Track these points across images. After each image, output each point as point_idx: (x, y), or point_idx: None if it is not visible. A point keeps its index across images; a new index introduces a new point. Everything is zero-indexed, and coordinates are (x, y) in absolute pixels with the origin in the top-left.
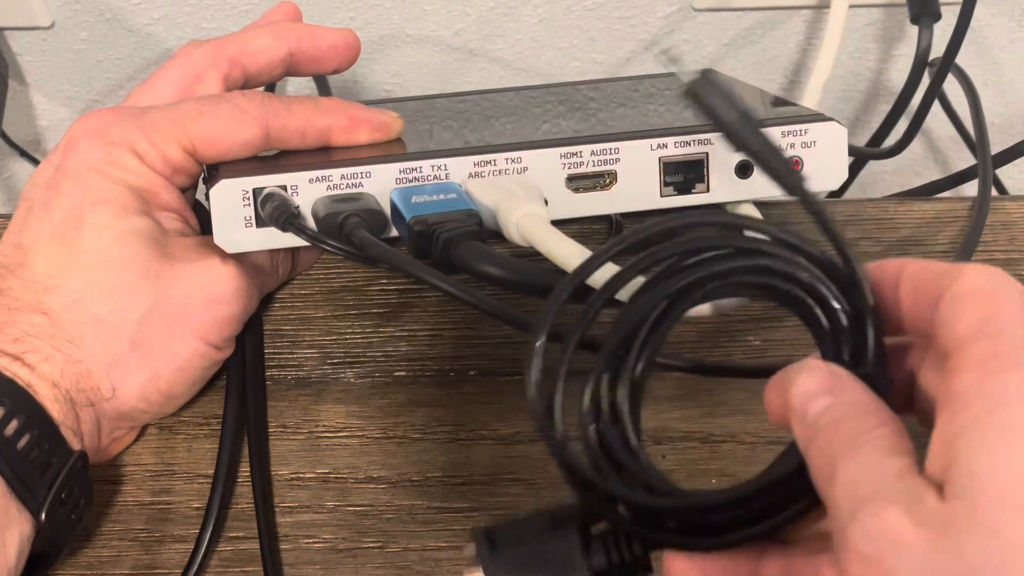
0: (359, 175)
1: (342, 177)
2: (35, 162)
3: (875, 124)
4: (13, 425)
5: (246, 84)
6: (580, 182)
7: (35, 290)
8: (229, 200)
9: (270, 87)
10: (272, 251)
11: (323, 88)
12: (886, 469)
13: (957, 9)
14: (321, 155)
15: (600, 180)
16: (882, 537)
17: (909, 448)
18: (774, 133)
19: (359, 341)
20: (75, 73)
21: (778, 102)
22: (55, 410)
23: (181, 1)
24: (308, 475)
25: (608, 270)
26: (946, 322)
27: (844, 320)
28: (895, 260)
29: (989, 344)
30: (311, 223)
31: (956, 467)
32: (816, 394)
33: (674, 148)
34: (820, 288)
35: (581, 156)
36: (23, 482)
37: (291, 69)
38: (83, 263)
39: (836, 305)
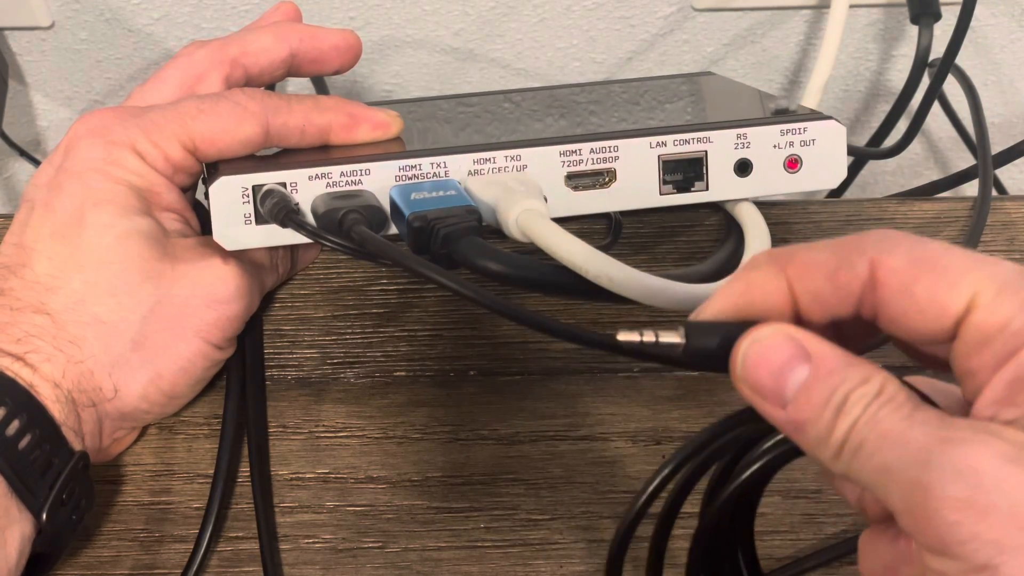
0: (358, 172)
1: (341, 174)
2: (35, 162)
3: (875, 124)
4: (15, 425)
5: (247, 85)
6: (579, 180)
7: (37, 290)
8: (229, 197)
9: (270, 87)
10: (272, 249)
11: (321, 89)
12: (924, 424)
13: (957, 9)
14: (321, 153)
15: (599, 178)
16: (973, 476)
17: (905, 389)
18: (773, 131)
19: (359, 341)
20: (75, 73)
21: (778, 110)
22: (56, 411)
23: (181, 1)
24: (308, 475)
25: None
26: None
27: None
28: (765, 275)
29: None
30: (311, 220)
31: None
32: (787, 366)
33: (673, 146)
34: None
35: (580, 154)
36: (24, 482)
37: (292, 70)
38: (85, 263)
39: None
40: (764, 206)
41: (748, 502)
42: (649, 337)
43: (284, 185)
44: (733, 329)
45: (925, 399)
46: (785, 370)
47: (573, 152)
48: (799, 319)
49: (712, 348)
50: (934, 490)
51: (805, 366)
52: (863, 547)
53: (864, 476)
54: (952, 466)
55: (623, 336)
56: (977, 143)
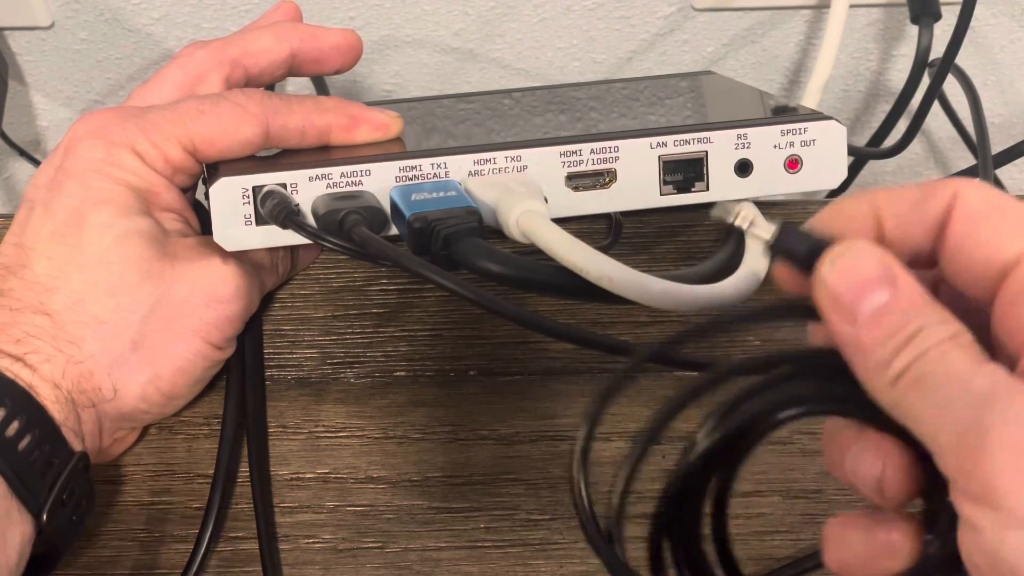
0: (359, 173)
1: (342, 175)
2: (35, 162)
3: (875, 124)
4: (14, 426)
5: (247, 85)
6: (579, 180)
7: (36, 291)
8: (229, 198)
9: (270, 87)
10: (272, 249)
11: (321, 89)
12: (992, 371)
13: (957, 9)
14: (321, 154)
15: (600, 178)
16: None
17: (978, 343)
18: (773, 132)
19: (359, 341)
20: (75, 73)
21: (778, 110)
22: (56, 411)
23: (181, 1)
24: (308, 475)
25: None
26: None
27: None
28: (855, 202)
29: None
30: (311, 221)
31: None
32: (871, 284)
33: (674, 147)
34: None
35: (580, 154)
36: (24, 483)
37: (293, 70)
38: (84, 264)
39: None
40: (764, 206)
41: (730, 463)
42: (742, 222)
43: (284, 186)
44: (824, 241)
45: None
46: (869, 287)
47: (573, 153)
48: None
49: (801, 251)
50: (994, 430)
51: (888, 290)
52: (831, 536)
53: (917, 409)
54: (1016, 412)
55: (716, 212)
56: (977, 143)
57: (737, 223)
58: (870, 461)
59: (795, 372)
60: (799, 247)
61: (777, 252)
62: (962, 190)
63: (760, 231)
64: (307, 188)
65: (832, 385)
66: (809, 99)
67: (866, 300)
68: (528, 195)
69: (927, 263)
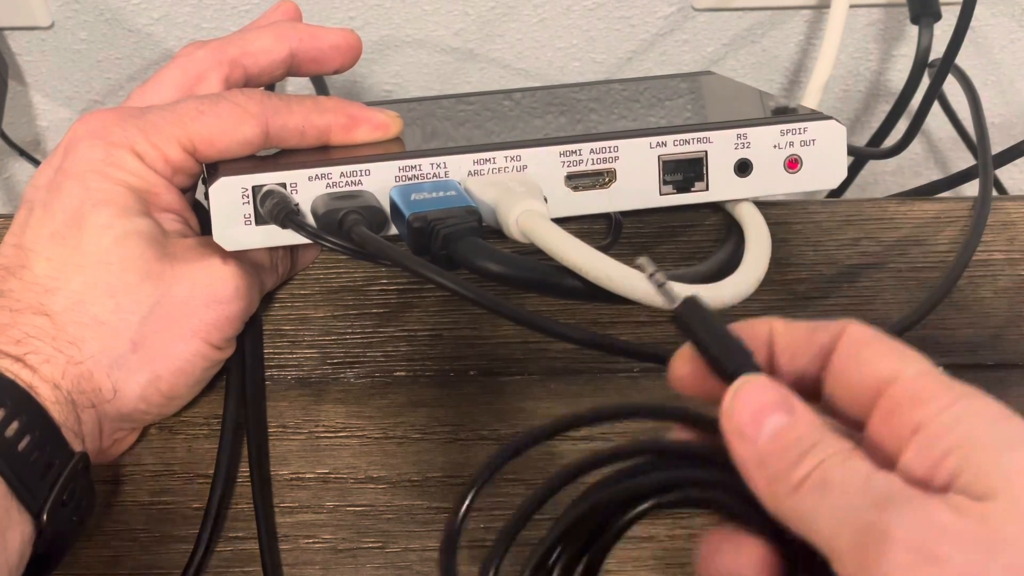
0: (358, 173)
1: (341, 175)
2: (35, 162)
3: (875, 124)
4: (14, 427)
5: (247, 85)
6: (579, 180)
7: (36, 292)
8: (228, 198)
9: (270, 87)
10: (271, 249)
11: (321, 89)
12: (887, 477)
13: (957, 9)
14: (320, 154)
15: (599, 178)
16: (930, 527)
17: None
18: (773, 131)
19: (359, 341)
20: (75, 73)
21: (778, 110)
22: (56, 412)
23: (181, 1)
24: (308, 475)
25: None
26: (866, 371)
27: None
28: (761, 321)
29: (927, 379)
30: (310, 220)
31: (973, 470)
32: (768, 411)
33: (673, 146)
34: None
35: (580, 154)
36: (24, 483)
37: (292, 70)
38: (84, 264)
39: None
40: (764, 206)
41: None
42: (659, 278)
43: (284, 186)
44: (727, 332)
45: None
46: (769, 411)
47: (573, 152)
48: (771, 370)
49: (698, 332)
50: (891, 533)
51: (786, 414)
52: (707, 551)
53: (815, 514)
54: (912, 513)
55: (641, 260)
56: (977, 143)
57: (654, 275)
58: (743, 564)
59: (665, 461)
60: (699, 326)
61: (677, 324)
62: (850, 326)
63: (669, 293)
64: (307, 188)
65: (708, 471)
66: (809, 99)
67: (767, 422)
68: (528, 195)
69: (811, 393)
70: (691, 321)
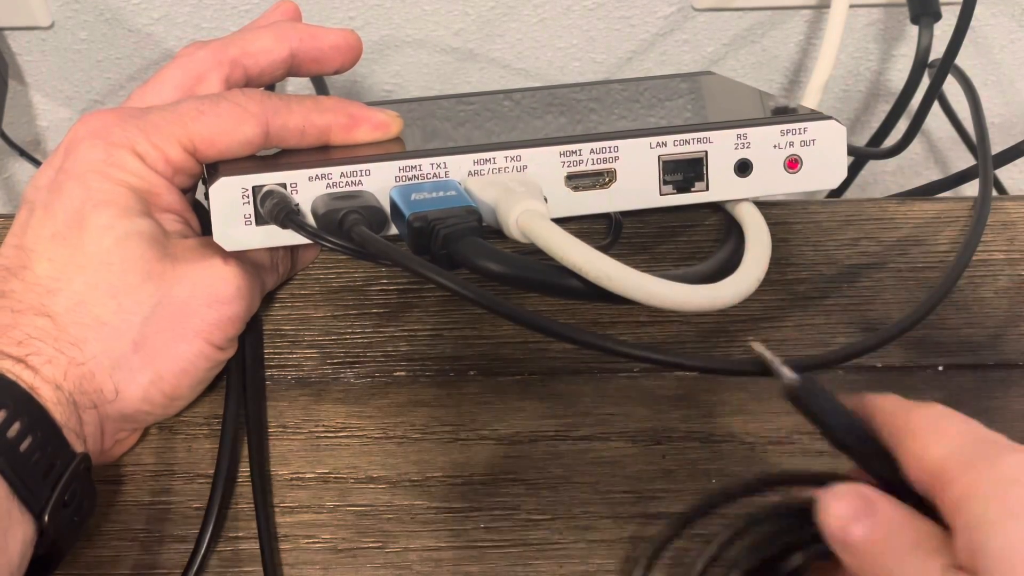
0: (358, 173)
1: (341, 175)
2: (35, 162)
3: (875, 124)
4: (16, 427)
5: (247, 85)
6: (579, 180)
7: (38, 292)
8: (229, 198)
9: (270, 87)
10: (272, 249)
11: (321, 89)
12: (932, 569)
13: (957, 9)
14: (320, 153)
15: (599, 178)
16: None
17: (947, 545)
18: (773, 132)
19: (359, 341)
20: (75, 73)
21: (778, 110)
22: (58, 413)
23: (181, 1)
24: (308, 475)
25: None
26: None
27: None
28: (872, 397)
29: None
30: (311, 220)
31: (981, 554)
32: (852, 518)
33: (673, 146)
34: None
35: (580, 154)
36: (25, 484)
37: (293, 70)
38: (85, 265)
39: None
40: (764, 206)
41: None
42: (776, 365)
43: (284, 186)
44: (842, 408)
45: None
46: (853, 519)
47: (573, 152)
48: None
49: (814, 410)
50: None
51: (868, 517)
52: None
53: None
54: None
55: (756, 345)
56: (977, 143)
57: (771, 358)
58: None
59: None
60: (821, 405)
61: (793, 401)
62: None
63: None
64: (307, 188)
65: None
66: (809, 99)
67: (852, 530)
68: (528, 195)
69: None
70: (807, 399)
